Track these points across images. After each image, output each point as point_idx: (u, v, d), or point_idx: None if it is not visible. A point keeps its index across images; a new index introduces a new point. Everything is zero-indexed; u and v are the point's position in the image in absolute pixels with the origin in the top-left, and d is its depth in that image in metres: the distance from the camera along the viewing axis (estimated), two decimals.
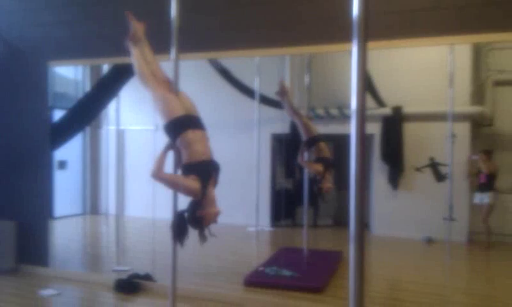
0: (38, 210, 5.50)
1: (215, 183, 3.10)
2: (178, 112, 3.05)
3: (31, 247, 5.50)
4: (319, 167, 5.15)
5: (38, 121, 5.51)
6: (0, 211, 5.60)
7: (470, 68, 5.77)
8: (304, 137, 5.33)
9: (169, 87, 3.21)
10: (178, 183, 2.95)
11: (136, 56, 3.27)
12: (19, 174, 5.58)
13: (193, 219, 3.02)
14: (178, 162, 3.12)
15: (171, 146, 3.12)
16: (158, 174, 2.96)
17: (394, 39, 4.01)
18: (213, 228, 3.12)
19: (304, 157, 5.31)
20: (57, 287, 4.92)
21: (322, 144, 5.31)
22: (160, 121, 3.11)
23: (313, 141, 5.29)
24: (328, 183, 5.18)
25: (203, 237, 3.04)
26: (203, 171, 2.99)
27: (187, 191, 2.95)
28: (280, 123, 6.10)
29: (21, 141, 5.58)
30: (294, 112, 5.41)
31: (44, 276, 5.31)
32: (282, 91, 5.41)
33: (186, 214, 3.05)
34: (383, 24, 3.93)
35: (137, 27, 3.33)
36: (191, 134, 3.00)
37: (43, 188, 5.50)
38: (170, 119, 3.04)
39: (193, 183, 2.93)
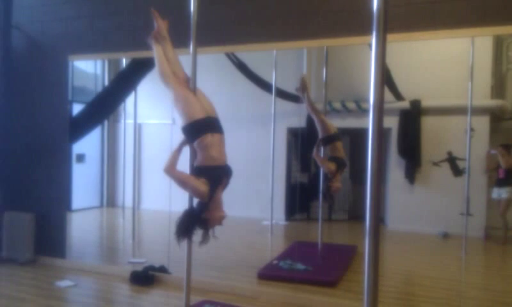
0: (56, 202, 5.59)
1: (224, 187, 3.12)
2: (199, 114, 3.05)
3: (49, 239, 5.60)
4: (332, 166, 5.15)
5: (58, 114, 5.59)
6: (20, 203, 5.71)
7: (490, 61, 5.66)
8: (320, 134, 5.31)
9: (189, 86, 3.22)
10: (188, 183, 2.98)
11: (158, 54, 3.26)
12: (38, 167, 5.67)
13: (199, 220, 3.07)
14: (193, 160, 3.14)
15: (186, 142, 3.13)
16: (170, 171, 2.99)
17: (414, 32, 3.95)
18: (226, 221, 3.15)
19: (320, 152, 5.30)
20: (73, 278, 5.01)
21: (339, 144, 5.30)
22: (180, 121, 3.12)
23: (330, 139, 5.28)
24: (338, 183, 5.20)
25: (205, 238, 3.09)
26: (214, 176, 3.03)
27: (195, 193, 2.99)
28: (296, 117, 6.07)
29: (41, 134, 5.67)
30: (313, 108, 5.39)
31: (61, 268, 5.41)
32: (303, 87, 5.40)
33: (194, 213, 3.09)
34: (403, 16, 3.88)
35: (161, 25, 3.33)
36: (210, 138, 3.01)
37: (61, 181, 5.58)
38: (190, 121, 3.04)
39: (202, 186, 2.96)
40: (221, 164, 3.09)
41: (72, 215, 6.27)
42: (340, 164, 5.25)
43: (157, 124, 7.22)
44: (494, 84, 5.78)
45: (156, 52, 3.28)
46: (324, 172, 5.38)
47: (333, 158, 5.26)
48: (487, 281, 4.96)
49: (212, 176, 3.03)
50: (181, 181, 3.01)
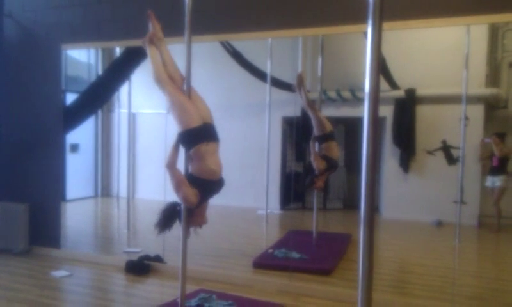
0: (50, 192, 5.57)
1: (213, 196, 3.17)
2: (195, 122, 3.02)
3: (43, 229, 5.59)
4: (321, 166, 5.15)
5: (51, 104, 5.55)
6: (14, 193, 5.68)
7: (485, 49, 5.66)
8: (316, 131, 5.27)
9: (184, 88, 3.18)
10: (181, 188, 2.99)
11: (154, 58, 3.19)
12: (32, 157, 5.64)
13: (180, 217, 3.13)
14: (188, 160, 3.14)
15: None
16: (171, 168, 3.02)
17: (409, 20, 3.94)
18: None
19: (315, 146, 5.29)
20: (68, 268, 5.01)
21: (333, 144, 5.29)
22: (175, 127, 3.11)
23: (325, 138, 5.26)
24: (321, 183, 5.19)
25: (188, 233, 3.17)
26: (207, 190, 3.07)
27: (184, 200, 3.02)
28: (291, 106, 6.05)
29: (34, 124, 5.63)
30: (309, 105, 5.35)
31: (56, 258, 5.41)
32: (299, 83, 5.36)
33: (178, 207, 3.11)
34: (399, 5, 3.87)
35: (157, 27, 3.28)
36: (205, 147, 3.02)
37: (55, 171, 5.56)
38: (186, 129, 3.02)
39: (193, 196, 3.00)
40: (216, 179, 3.11)
41: (66, 205, 6.25)
42: (330, 165, 5.25)
43: (151, 113, 7.19)
44: (489, 72, 5.78)
45: (152, 55, 3.21)
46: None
47: (326, 157, 5.24)
48: (480, 269, 5.01)
49: (204, 190, 3.07)
50: (176, 183, 3.02)
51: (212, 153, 3.08)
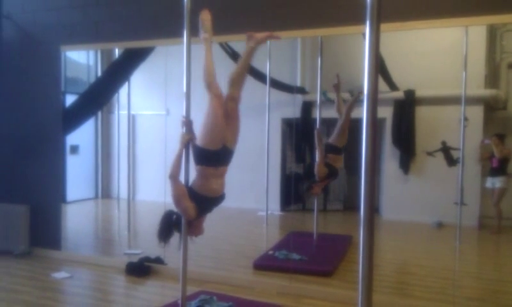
0: (50, 194, 5.57)
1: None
2: (215, 145, 3.01)
3: (44, 230, 5.58)
4: (323, 173, 5.16)
5: (51, 106, 5.55)
6: (14, 195, 5.68)
7: (484, 50, 5.66)
8: (333, 139, 5.29)
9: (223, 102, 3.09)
10: (181, 202, 3.00)
11: (210, 59, 3.11)
12: (32, 158, 5.64)
13: (178, 227, 3.13)
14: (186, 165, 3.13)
15: (188, 139, 3.08)
16: (174, 179, 3.00)
17: (408, 21, 3.94)
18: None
19: (322, 145, 5.29)
20: (69, 270, 5.01)
21: (340, 158, 5.37)
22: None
23: (337, 150, 5.29)
24: (319, 189, 5.22)
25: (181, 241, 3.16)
26: (205, 206, 3.10)
27: (183, 212, 3.04)
28: (290, 107, 6.06)
29: (34, 126, 5.63)
30: (341, 111, 5.31)
31: (56, 259, 5.40)
32: (337, 85, 5.37)
33: (174, 216, 3.12)
34: (397, 6, 3.87)
35: (205, 17, 3.18)
36: (212, 171, 3.03)
37: (55, 172, 5.56)
38: (203, 147, 3.01)
39: (192, 210, 3.02)
40: (216, 196, 3.12)
41: (66, 207, 6.25)
42: (331, 174, 5.28)
43: (151, 115, 7.19)
44: (488, 73, 5.78)
45: (209, 57, 3.12)
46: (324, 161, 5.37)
47: (328, 166, 5.25)
48: (481, 270, 5.00)
49: (203, 206, 3.09)
50: (177, 195, 3.00)
51: (218, 176, 3.09)
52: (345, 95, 5.79)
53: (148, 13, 4.88)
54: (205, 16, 3.17)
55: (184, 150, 3.06)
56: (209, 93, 3.06)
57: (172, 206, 3.16)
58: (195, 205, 3.03)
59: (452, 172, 5.27)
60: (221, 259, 5.23)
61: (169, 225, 3.14)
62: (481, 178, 5.81)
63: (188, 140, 3.06)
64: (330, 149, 5.31)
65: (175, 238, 3.20)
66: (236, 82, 3.06)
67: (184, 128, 3.07)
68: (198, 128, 3.09)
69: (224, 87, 3.07)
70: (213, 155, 3.02)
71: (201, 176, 3.06)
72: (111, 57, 6.63)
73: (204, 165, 3.04)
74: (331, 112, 5.56)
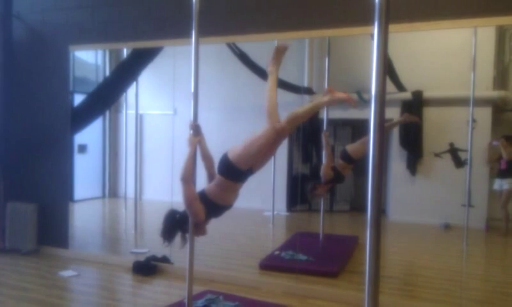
0: (58, 193, 5.61)
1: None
2: (245, 165, 3.05)
3: (52, 229, 5.62)
4: (329, 176, 5.16)
5: (59, 105, 5.59)
6: (22, 193, 5.73)
7: (493, 52, 5.62)
8: (351, 148, 5.33)
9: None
10: (192, 205, 3.01)
11: (274, 89, 3.18)
12: (40, 157, 5.68)
13: (181, 226, 3.15)
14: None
15: (197, 139, 3.09)
16: (186, 182, 2.99)
17: (416, 22, 3.92)
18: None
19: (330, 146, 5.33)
20: (76, 268, 5.04)
21: (349, 168, 5.39)
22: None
23: (351, 161, 5.31)
24: (323, 191, 5.22)
25: (183, 241, 3.18)
26: (215, 213, 3.15)
27: (193, 215, 3.04)
28: (297, 107, 6.07)
29: (42, 125, 5.67)
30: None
31: (64, 258, 5.44)
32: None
33: (178, 215, 3.12)
34: (405, 6, 3.86)
35: (281, 51, 3.29)
36: (231, 184, 3.10)
37: (63, 171, 5.59)
38: (234, 162, 3.04)
39: (201, 213, 3.04)
40: (227, 204, 3.18)
41: (74, 206, 6.30)
42: (337, 178, 5.29)
43: (158, 115, 7.22)
44: (496, 74, 5.74)
45: (273, 87, 3.18)
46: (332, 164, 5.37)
47: (335, 170, 5.26)
48: (488, 272, 4.97)
49: (213, 212, 3.13)
50: (189, 198, 3.00)
51: (234, 190, 3.17)
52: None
53: (156, 14, 4.90)
54: (282, 51, 3.28)
55: (193, 153, 3.08)
56: (268, 122, 3.09)
57: (177, 206, 3.17)
58: (205, 209, 3.05)
59: (459, 173, 5.24)
60: (228, 259, 5.24)
61: (172, 224, 3.15)
62: (489, 179, 5.77)
63: (197, 142, 3.08)
64: (344, 156, 5.33)
65: (178, 237, 3.20)
66: (295, 122, 3.12)
67: (192, 132, 3.08)
68: (237, 144, 3.11)
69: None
70: (238, 173, 3.07)
71: (219, 186, 3.10)
72: (119, 57, 6.67)
73: (225, 178, 3.08)
74: (338, 113, 5.56)
